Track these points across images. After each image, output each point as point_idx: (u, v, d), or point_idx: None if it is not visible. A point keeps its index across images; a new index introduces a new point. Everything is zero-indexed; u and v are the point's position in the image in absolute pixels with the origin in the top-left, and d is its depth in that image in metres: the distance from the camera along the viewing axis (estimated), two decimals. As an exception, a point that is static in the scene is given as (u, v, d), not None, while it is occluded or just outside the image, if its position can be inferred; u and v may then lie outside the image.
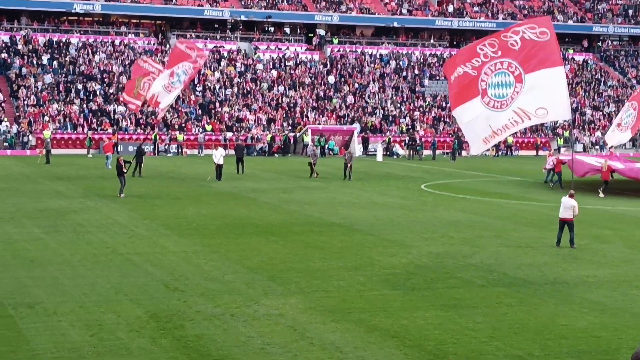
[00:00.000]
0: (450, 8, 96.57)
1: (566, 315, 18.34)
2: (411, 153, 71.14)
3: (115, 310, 17.86)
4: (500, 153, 77.75)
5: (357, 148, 72.96)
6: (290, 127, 76.07)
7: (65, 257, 23.61)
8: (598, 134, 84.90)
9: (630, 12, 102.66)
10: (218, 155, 46.92)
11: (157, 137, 69.54)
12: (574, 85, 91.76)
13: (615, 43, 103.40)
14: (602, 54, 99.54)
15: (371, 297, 19.61)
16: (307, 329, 16.83)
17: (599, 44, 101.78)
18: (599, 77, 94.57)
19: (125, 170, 38.13)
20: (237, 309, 18.16)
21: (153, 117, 71.97)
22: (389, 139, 75.27)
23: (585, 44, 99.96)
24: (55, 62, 78.46)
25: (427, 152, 71.87)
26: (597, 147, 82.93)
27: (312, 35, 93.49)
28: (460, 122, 29.17)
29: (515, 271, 22.91)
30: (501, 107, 27.02)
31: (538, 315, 18.31)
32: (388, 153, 72.68)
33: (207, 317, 17.50)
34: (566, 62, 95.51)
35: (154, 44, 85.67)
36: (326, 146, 72.67)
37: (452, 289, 20.73)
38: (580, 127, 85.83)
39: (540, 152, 78.43)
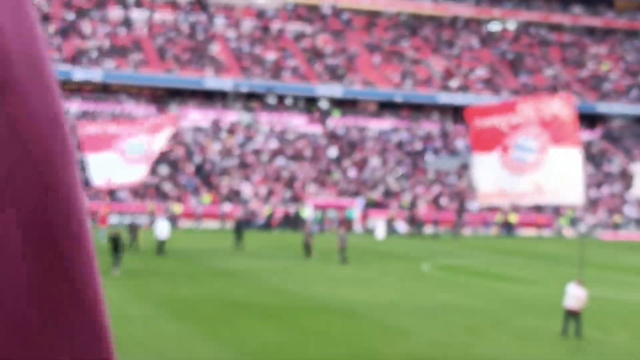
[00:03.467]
0: (454, 83, 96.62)
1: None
2: (412, 230, 70.45)
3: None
4: (502, 232, 77.03)
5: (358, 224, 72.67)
6: (290, 201, 75.54)
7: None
8: (602, 213, 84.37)
9: (636, 92, 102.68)
10: (162, 228, 45.73)
11: (154, 208, 68.82)
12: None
13: (620, 122, 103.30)
14: (606, 133, 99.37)
15: (369, 392, 18.78)
16: None
17: (604, 122, 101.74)
18: (603, 156, 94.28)
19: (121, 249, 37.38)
20: (228, 404, 17.32)
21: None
22: (393, 215, 74.61)
23: (598, 129, 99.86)
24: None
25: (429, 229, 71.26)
26: (600, 228, 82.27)
27: (314, 107, 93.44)
28: (476, 168, 27.93)
29: (519, 364, 22.09)
30: (517, 171, 25.96)
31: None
32: (390, 230, 71.96)
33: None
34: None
35: (153, 114, 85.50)
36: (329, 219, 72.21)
37: (454, 383, 19.90)
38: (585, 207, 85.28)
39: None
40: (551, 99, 26.67)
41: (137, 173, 40.60)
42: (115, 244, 37.32)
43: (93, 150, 41.19)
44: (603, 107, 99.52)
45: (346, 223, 71.74)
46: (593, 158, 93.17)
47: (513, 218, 77.92)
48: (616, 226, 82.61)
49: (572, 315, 25.81)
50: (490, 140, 26.43)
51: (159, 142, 40.68)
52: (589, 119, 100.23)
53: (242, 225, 52.07)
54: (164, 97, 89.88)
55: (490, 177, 26.41)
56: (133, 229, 46.62)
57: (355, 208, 74.20)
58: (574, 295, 25.74)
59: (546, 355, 23.28)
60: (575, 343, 25.27)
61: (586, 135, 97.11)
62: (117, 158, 39.91)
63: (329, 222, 71.23)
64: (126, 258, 39.02)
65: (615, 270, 45.77)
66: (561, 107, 25.94)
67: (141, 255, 44.46)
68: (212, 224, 70.46)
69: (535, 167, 25.78)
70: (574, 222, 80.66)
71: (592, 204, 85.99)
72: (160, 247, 45.11)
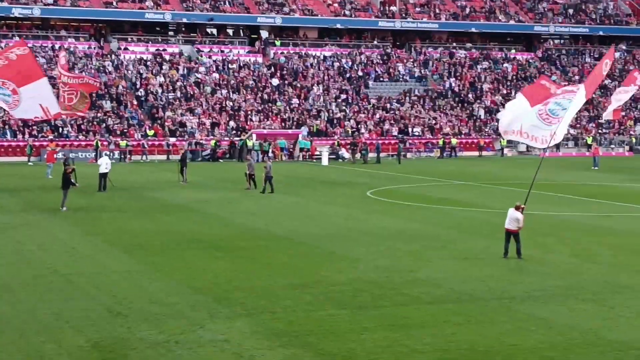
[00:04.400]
0: (393, 9, 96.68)
1: (514, 334, 18.21)
2: (354, 157, 70.87)
3: (57, 339, 17.38)
4: (444, 154, 77.85)
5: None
6: (235, 132, 75.60)
7: (4, 279, 23.00)
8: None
9: (571, 11, 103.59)
10: (104, 163, 45.55)
11: (99, 143, 68.61)
12: (516, 84, 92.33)
13: (556, 42, 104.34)
14: (543, 53, 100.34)
15: (318, 318, 19.35)
16: (254, 356, 16.51)
17: (540, 42, 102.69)
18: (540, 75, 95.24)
19: (74, 182, 37.55)
20: (181, 335, 17.79)
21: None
22: (338, 142, 74.92)
23: (535, 50, 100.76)
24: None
25: (372, 155, 71.86)
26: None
27: (255, 37, 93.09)
28: (514, 102, 30.91)
29: (462, 286, 22.77)
30: (545, 120, 28.30)
31: (486, 334, 18.16)
32: (334, 157, 72.43)
33: (151, 345, 17.10)
34: (508, 62, 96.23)
35: (94, 48, 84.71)
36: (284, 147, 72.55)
37: (400, 306, 20.55)
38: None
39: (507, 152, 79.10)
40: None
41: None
42: (64, 180, 37.46)
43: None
44: (540, 28, 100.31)
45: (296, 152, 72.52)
46: (530, 78, 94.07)
47: (454, 140, 78.78)
48: (557, 145, 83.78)
49: (512, 236, 26.59)
50: (538, 96, 29.30)
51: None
52: (526, 40, 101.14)
53: (186, 159, 51.48)
54: (104, 31, 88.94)
55: (520, 119, 29.18)
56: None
57: (301, 137, 74.55)
58: (512, 218, 26.51)
59: (489, 276, 23.98)
60: (516, 263, 26.06)
61: (524, 56, 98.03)
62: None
63: (278, 151, 71.65)
64: (75, 194, 39.22)
65: (554, 188, 46.80)
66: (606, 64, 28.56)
67: (88, 190, 44.34)
68: (158, 157, 70.49)
69: (559, 121, 27.90)
70: (512, 142, 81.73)
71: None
72: (101, 181, 45.10)
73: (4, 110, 44.21)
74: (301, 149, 73.24)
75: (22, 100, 41.78)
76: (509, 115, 29.95)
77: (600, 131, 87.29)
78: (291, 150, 73.11)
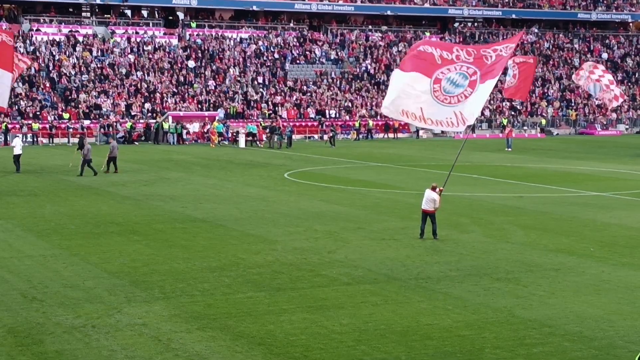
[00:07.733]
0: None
1: (430, 314, 18.49)
2: (271, 140, 69.72)
3: (-30, 326, 17.16)
4: (360, 136, 78.10)
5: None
6: (150, 114, 74.82)
7: None
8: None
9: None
10: (18, 145, 45.97)
11: (7, 126, 67.33)
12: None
13: (470, 25, 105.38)
14: (457, 35, 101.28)
15: (237, 301, 19.38)
16: (171, 339, 16.48)
17: (455, 25, 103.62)
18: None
19: None
20: (98, 320, 17.66)
21: None
22: (264, 125, 73.82)
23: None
24: None
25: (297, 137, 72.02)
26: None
27: (171, 18, 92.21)
28: (393, 80, 28.22)
29: (379, 266, 23.02)
30: (443, 102, 26.82)
31: (403, 314, 18.40)
32: (252, 139, 71.73)
33: (67, 330, 16.94)
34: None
35: (5, 29, 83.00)
36: (184, 132, 71.43)
37: (318, 288, 20.69)
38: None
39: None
40: (508, 45, 27.53)
41: None
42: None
43: None
44: (454, 11, 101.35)
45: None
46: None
47: (371, 122, 79.09)
48: (472, 127, 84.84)
49: (428, 216, 26.93)
50: (425, 66, 27.07)
51: None
52: (441, 23, 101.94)
53: (83, 142, 50.15)
54: (15, 12, 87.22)
55: (412, 96, 26.88)
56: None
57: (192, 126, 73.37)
58: (429, 199, 26.82)
59: (406, 257, 24.25)
60: (432, 243, 26.41)
61: (437, 38, 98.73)
62: None
63: (214, 135, 70.69)
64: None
65: (468, 169, 47.45)
66: (509, 47, 27.08)
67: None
68: (72, 140, 69.39)
69: (461, 100, 26.60)
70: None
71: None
72: (16, 162, 45.04)
73: None
74: (249, 134, 71.05)
75: None
76: (394, 93, 27.41)
77: (513, 113, 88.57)
78: (234, 135, 71.17)
